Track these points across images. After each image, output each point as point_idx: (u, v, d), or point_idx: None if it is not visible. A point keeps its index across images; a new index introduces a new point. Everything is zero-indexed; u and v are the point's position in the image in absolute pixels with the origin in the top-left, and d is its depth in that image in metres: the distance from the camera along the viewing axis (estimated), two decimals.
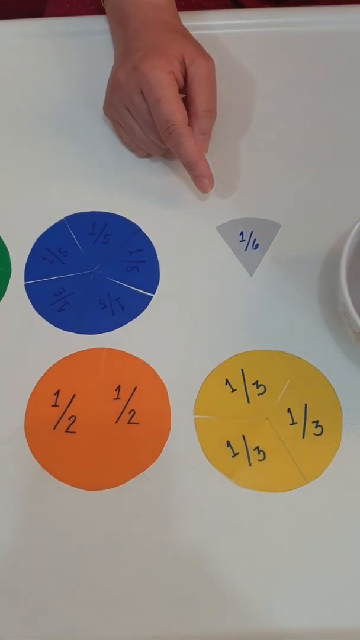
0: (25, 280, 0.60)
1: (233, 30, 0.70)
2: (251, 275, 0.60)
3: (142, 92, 0.58)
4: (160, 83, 0.57)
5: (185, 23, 0.65)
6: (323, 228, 0.61)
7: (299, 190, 0.63)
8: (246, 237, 0.61)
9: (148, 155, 0.65)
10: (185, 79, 0.60)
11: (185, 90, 0.60)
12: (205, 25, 0.70)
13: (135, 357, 0.57)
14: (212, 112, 0.61)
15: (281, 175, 0.64)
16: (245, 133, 0.66)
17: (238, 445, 0.53)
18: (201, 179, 0.60)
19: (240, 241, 0.61)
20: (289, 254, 0.60)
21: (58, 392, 0.56)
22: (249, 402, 0.55)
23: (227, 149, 0.65)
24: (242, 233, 0.61)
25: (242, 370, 0.56)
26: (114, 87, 0.60)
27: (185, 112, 0.58)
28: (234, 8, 0.78)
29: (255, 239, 0.61)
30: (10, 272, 0.61)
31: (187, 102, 0.60)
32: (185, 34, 0.62)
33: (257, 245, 0.61)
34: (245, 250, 0.61)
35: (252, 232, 0.61)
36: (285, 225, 0.62)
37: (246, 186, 0.63)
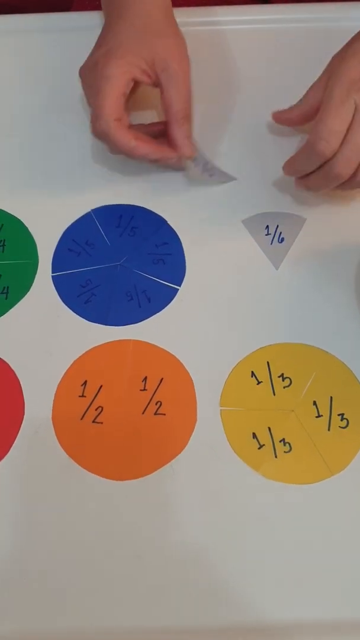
0: (53, 272, 0.61)
1: (243, 27, 0.71)
2: (277, 269, 0.60)
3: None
4: (108, 78, 0.57)
5: (197, 19, 0.65)
6: (348, 221, 0.61)
7: None
8: (272, 231, 0.61)
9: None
10: (158, 83, 0.60)
11: (160, 94, 0.60)
12: (216, 20, 0.70)
13: (161, 348, 0.57)
14: (188, 116, 0.61)
15: None
16: (272, 127, 0.66)
17: (264, 437, 0.54)
18: (160, 158, 0.60)
19: (266, 235, 0.61)
20: (315, 247, 0.61)
21: (85, 382, 0.56)
22: (274, 394, 0.55)
23: (251, 143, 0.65)
24: (267, 227, 0.62)
25: (267, 362, 0.56)
26: (80, 75, 0.61)
27: (118, 107, 0.58)
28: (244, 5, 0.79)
29: (280, 233, 0.61)
30: (37, 264, 0.61)
31: (163, 107, 0.60)
32: (160, 32, 0.61)
33: (282, 239, 0.61)
34: (271, 244, 0.61)
35: (277, 226, 0.62)
36: (311, 219, 0.62)
37: (272, 180, 0.64)
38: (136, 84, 0.60)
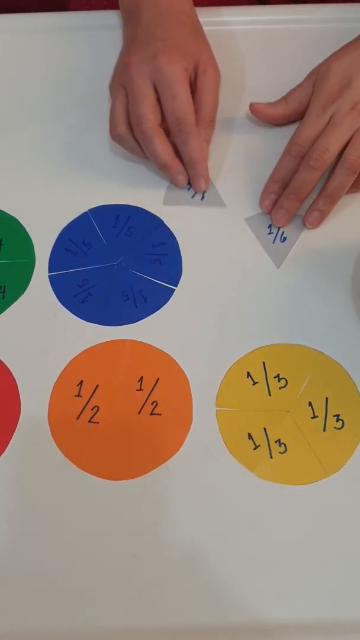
0: (49, 272, 0.61)
1: (241, 27, 0.72)
2: (278, 268, 0.60)
3: (152, 82, 0.60)
4: (178, 79, 0.59)
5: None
6: (352, 223, 0.61)
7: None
8: (274, 230, 0.62)
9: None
10: (194, 84, 0.61)
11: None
12: (214, 21, 0.70)
13: (157, 349, 0.57)
14: (214, 123, 0.63)
15: None
16: (274, 127, 0.66)
17: (259, 438, 0.54)
18: (199, 178, 0.62)
19: (269, 234, 0.61)
20: (316, 248, 0.61)
21: (81, 382, 0.56)
22: (270, 395, 0.55)
23: (253, 141, 0.66)
24: (270, 226, 0.62)
25: (263, 363, 0.56)
26: (123, 69, 0.61)
27: (192, 108, 0.60)
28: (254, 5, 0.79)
29: (282, 232, 0.61)
30: (34, 264, 0.61)
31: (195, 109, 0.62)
32: (202, 35, 0.64)
33: (284, 239, 0.61)
34: (273, 243, 0.61)
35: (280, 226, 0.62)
36: None
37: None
38: None
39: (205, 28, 0.66)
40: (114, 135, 0.63)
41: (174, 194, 0.64)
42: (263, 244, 0.61)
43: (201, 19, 0.66)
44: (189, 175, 0.63)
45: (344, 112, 0.58)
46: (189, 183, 0.63)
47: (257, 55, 0.70)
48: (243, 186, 0.64)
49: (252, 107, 0.64)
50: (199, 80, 0.61)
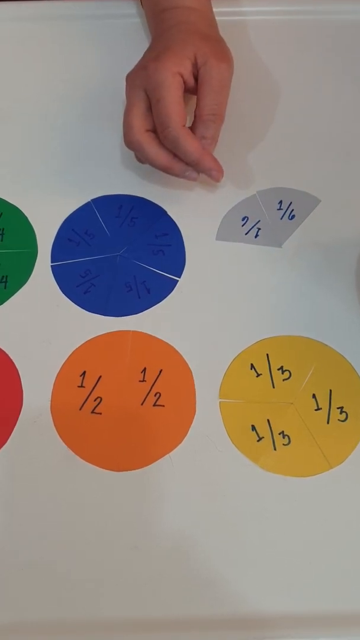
0: (52, 262, 0.61)
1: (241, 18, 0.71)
2: (280, 246, 0.60)
3: (145, 91, 0.58)
4: (162, 84, 0.57)
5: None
6: (356, 215, 0.61)
7: (345, 169, 0.64)
8: (284, 207, 0.62)
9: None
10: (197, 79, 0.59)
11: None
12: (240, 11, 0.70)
13: (161, 340, 0.57)
14: (217, 116, 0.60)
15: (326, 153, 0.65)
16: (282, 115, 0.66)
17: (263, 430, 0.54)
18: (209, 173, 0.60)
19: (278, 209, 0.61)
20: (321, 239, 0.61)
21: (84, 373, 0.56)
22: (274, 387, 0.55)
23: (257, 124, 0.66)
24: (280, 202, 0.62)
25: (267, 355, 0.56)
26: (126, 80, 0.61)
27: (184, 113, 0.58)
28: None
29: (292, 210, 0.61)
30: (36, 254, 0.61)
31: (196, 103, 0.60)
32: (206, 36, 0.61)
33: (293, 216, 0.61)
34: (281, 219, 0.61)
35: (291, 202, 0.62)
36: (325, 202, 0.62)
37: (285, 159, 0.65)
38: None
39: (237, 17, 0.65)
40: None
41: (226, 230, 0.62)
42: (271, 218, 0.61)
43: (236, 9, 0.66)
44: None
45: None
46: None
47: (260, 46, 0.70)
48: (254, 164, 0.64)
49: None
50: (199, 74, 0.59)
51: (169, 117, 0.57)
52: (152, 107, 0.58)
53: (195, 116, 0.59)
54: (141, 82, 0.58)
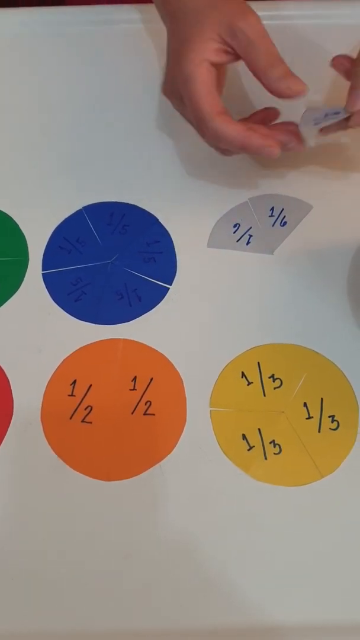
0: (43, 270, 0.60)
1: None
2: (272, 253, 0.60)
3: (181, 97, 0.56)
4: (187, 80, 0.54)
5: None
6: (348, 222, 0.61)
7: (336, 175, 0.63)
8: (276, 213, 0.62)
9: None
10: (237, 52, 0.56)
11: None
12: None
13: (151, 348, 0.57)
14: (276, 62, 0.55)
15: (317, 159, 0.64)
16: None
17: (254, 439, 0.53)
18: (261, 152, 0.56)
19: (270, 216, 0.61)
20: (312, 246, 0.60)
21: (75, 382, 0.56)
22: (264, 395, 0.55)
23: None
24: (272, 208, 0.62)
25: (258, 363, 0.56)
26: (165, 96, 0.59)
27: (216, 102, 0.55)
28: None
29: (284, 217, 0.61)
30: (28, 261, 0.61)
31: (252, 71, 0.55)
32: (214, 6, 0.56)
33: (284, 223, 0.61)
34: (272, 226, 0.61)
35: (282, 209, 0.62)
36: (317, 209, 0.62)
37: (277, 166, 0.64)
38: (220, 67, 0.57)
39: None
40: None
41: (217, 237, 0.62)
42: (262, 225, 0.61)
43: None
44: None
45: None
46: None
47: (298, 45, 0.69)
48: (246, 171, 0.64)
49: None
50: (235, 45, 0.55)
51: (201, 111, 0.54)
52: (186, 106, 0.56)
53: (258, 78, 0.55)
54: (173, 88, 0.57)
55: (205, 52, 0.55)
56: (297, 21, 0.70)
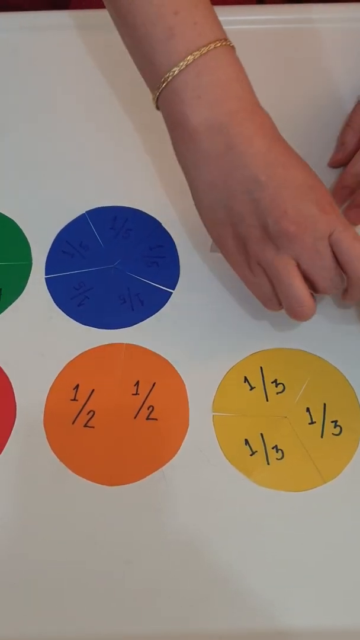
0: (46, 274, 0.60)
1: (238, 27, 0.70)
2: None
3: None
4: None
5: None
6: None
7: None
8: None
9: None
10: None
11: None
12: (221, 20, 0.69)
13: (154, 353, 0.57)
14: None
15: (319, 162, 0.64)
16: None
17: (256, 444, 0.53)
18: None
19: None
20: None
21: (77, 386, 0.56)
22: (267, 400, 0.55)
23: None
24: None
25: (261, 368, 0.56)
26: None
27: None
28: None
29: None
30: (31, 266, 0.61)
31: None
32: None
33: None
34: None
35: None
36: None
37: None
38: None
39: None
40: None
41: None
42: None
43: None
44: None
45: None
46: None
47: (255, 56, 0.69)
48: None
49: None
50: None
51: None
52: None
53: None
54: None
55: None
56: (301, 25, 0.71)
